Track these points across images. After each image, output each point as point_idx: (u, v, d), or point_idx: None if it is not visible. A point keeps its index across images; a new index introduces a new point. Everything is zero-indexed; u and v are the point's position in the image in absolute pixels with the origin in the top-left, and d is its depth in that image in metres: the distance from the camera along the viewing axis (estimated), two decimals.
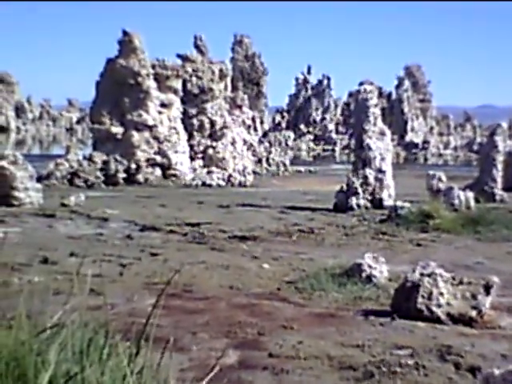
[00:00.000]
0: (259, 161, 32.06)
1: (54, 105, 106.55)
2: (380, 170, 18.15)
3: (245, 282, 9.47)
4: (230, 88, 31.06)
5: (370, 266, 9.20)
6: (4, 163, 16.52)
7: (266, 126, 56.85)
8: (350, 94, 70.57)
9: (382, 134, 18.47)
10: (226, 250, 12.02)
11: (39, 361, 4.04)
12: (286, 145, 46.41)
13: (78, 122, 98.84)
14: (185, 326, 7.23)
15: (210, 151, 27.35)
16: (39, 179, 19.71)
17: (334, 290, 8.84)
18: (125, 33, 24.69)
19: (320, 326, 7.36)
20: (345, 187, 18.06)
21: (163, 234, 13.68)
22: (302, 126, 70.20)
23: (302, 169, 35.04)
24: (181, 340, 6.61)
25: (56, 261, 10.52)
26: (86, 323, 4.83)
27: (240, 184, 25.72)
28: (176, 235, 13.46)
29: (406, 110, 68.26)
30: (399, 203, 15.79)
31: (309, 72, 73.69)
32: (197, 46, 30.06)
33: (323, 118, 72.19)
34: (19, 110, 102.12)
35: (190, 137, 27.23)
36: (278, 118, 73.03)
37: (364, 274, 9.13)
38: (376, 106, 18.85)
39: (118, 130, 24.71)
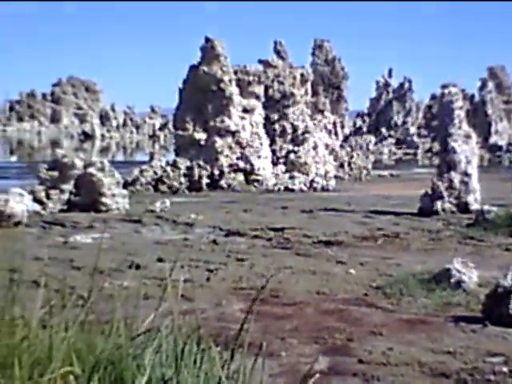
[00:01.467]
0: (341, 165, 31.90)
1: (137, 112, 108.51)
2: (466, 174, 17.85)
3: (332, 287, 9.45)
4: (310, 93, 31.01)
5: (459, 271, 9.05)
6: (92, 170, 16.90)
7: (347, 131, 56.59)
8: (433, 97, 69.67)
9: (468, 136, 18.17)
10: (311, 255, 12.01)
11: (135, 365, 4.12)
12: (367, 149, 46.14)
13: (161, 128, 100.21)
14: (273, 332, 7.24)
15: (292, 156, 27.34)
16: (124, 185, 20.05)
17: (422, 296, 8.74)
18: (207, 39, 24.98)
19: (410, 332, 7.29)
20: (429, 191, 17.83)
21: (248, 239, 13.75)
22: (384, 130, 69.59)
23: (384, 173, 34.72)
24: (270, 345, 6.63)
25: (144, 266, 10.69)
26: (180, 328, 4.90)
27: (322, 189, 25.66)
28: (261, 240, 13.52)
29: (489, 112, 67.01)
30: (486, 207, 15.49)
31: (390, 75, 73.04)
32: (277, 52, 30.15)
33: (405, 122, 71.43)
34: (104, 118, 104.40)
35: (272, 142, 27.31)
36: (358, 122, 72.64)
37: (453, 280, 9.00)
38: (461, 108, 18.57)
39: (201, 136, 24.97)
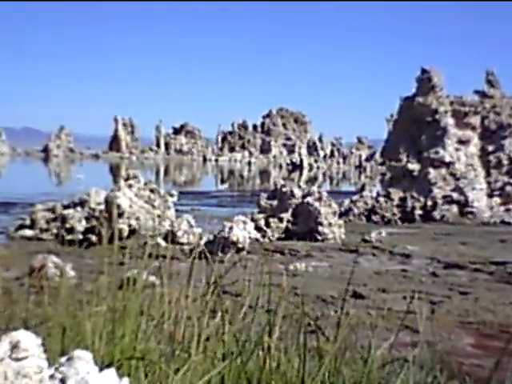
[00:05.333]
0: None
1: (344, 142, 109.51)
2: None
3: None
4: None
5: None
6: (310, 199, 17.23)
7: None
8: None
9: None
10: None
11: None
12: None
13: (367, 159, 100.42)
14: (506, 368, 7.04)
15: (508, 188, 26.48)
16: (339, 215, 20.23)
17: None
18: (424, 71, 24.88)
19: None
20: None
21: (468, 272, 13.46)
22: None
23: None
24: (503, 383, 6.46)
25: (366, 295, 10.75)
26: (426, 360, 4.92)
27: None
28: (482, 274, 13.20)
29: None
30: None
31: None
32: (489, 81, 29.42)
33: None
34: (311, 148, 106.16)
35: (488, 174, 26.60)
36: None
37: None
38: None
39: (414, 166, 24.82)
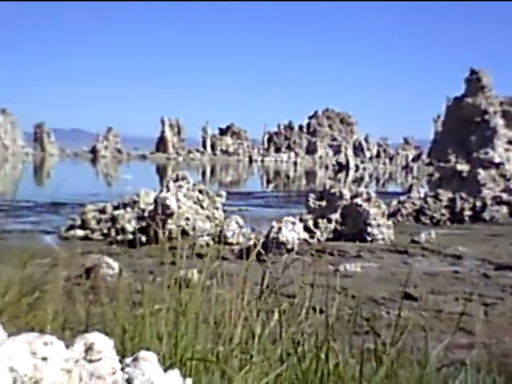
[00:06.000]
0: None
1: (390, 143, 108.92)
2: None
3: None
4: None
5: None
6: (358, 200, 17.16)
7: None
8: None
9: None
10: None
11: None
12: None
13: (414, 159, 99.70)
14: None
15: None
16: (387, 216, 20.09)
17: None
18: (473, 72, 24.65)
19: None
20: None
21: None
22: None
23: None
24: None
25: (417, 297, 10.66)
26: (481, 362, 4.86)
27: None
28: None
29: None
30: None
31: None
32: None
33: None
34: (357, 149, 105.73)
35: None
36: None
37: None
38: None
39: (463, 167, 24.59)
